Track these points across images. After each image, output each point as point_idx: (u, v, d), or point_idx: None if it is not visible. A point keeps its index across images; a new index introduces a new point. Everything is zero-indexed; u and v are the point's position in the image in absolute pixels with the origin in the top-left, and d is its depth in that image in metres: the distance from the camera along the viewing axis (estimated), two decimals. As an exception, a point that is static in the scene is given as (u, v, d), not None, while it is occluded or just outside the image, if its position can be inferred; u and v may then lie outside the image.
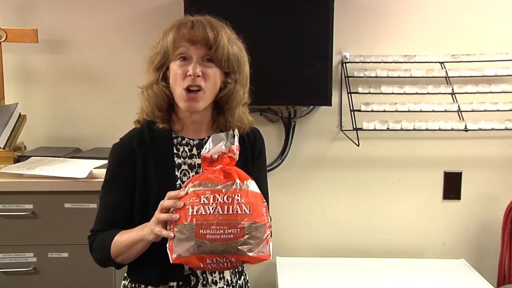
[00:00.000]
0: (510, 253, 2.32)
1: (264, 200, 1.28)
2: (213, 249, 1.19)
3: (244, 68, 1.41)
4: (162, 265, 1.33)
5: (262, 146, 1.51)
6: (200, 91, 1.32)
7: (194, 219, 1.20)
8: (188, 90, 1.32)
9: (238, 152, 1.28)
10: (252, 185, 1.25)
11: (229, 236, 1.19)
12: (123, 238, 1.32)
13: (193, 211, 1.20)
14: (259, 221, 1.22)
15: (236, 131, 1.30)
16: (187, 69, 1.31)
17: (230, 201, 1.21)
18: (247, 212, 1.21)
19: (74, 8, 2.37)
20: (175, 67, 1.33)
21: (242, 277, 1.49)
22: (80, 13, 2.37)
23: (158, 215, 1.24)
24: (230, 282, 1.43)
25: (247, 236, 1.20)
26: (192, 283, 1.38)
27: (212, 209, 1.20)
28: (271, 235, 1.25)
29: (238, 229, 1.19)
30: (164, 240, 1.25)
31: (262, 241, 1.22)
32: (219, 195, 1.21)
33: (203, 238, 1.19)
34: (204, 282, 1.38)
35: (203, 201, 1.21)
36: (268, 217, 1.27)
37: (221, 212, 1.20)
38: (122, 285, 1.46)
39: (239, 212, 1.20)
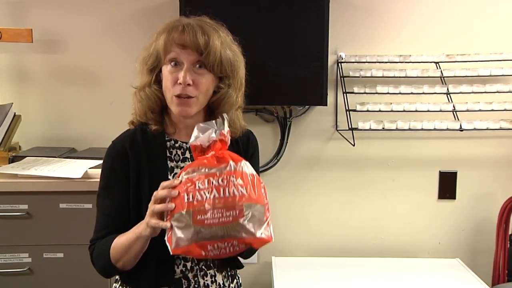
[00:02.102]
0: (504, 252, 2.33)
1: (262, 181, 1.23)
2: (212, 234, 1.14)
3: (239, 72, 1.38)
4: (154, 269, 1.32)
5: (256, 147, 1.50)
6: (193, 97, 1.30)
7: (190, 206, 1.15)
8: (177, 96, 1.30)
9: (229, 136, 1.23)
10: (246, 167, 1.21)
11: (228, 219, 1.15)
12: (121, 240, 1.29)
13: (188, 197, 1.16)
14: (258, 202, 1.18)
15: (225, 115, 1.26)
16: (178, 75, 1.29)
17: (225, 183, 1.16)
18: (244, 193, 1.17)
19: (69, 8, 2.37)
20: (166, 72, 1.31)
21: (235, 281, 1.47)
22: (75, 13, 2.37)
23: (153, 206, 1.19)
24: (222, 285, 1.41)
25: (246, 217, 1.15)
26: (184, 286, 1.36)
27: (208, 193, 1.15)
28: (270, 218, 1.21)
29: (237, 211, 1.15)
30: (159, 241, 1.23)
31: (263, 222, 1.17)
32: (213, 178, 1.17)
33: (201, 224, 1.14)
34: (196, 286, 1.37)
35: (198, 186, 1.16)
36: (267, 199, 1.22)
37: (217, 196, 1.15)
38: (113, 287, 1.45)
39: (236, 193, 1.16)
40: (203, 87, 1.31)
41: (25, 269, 1.94)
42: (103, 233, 1.34)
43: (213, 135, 1.21)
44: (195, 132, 1.22)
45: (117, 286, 1.42)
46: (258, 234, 1.17)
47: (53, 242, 1.95)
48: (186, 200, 1.16)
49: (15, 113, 2.26)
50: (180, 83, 1.28)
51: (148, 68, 1.36)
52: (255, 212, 1.17)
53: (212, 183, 1.17)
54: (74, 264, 1.94)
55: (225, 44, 1.33)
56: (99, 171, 1.41)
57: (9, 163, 2.09)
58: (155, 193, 1.21)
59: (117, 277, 1.43)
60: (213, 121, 1.24)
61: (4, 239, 1.93)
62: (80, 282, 1.95)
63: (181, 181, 1.19)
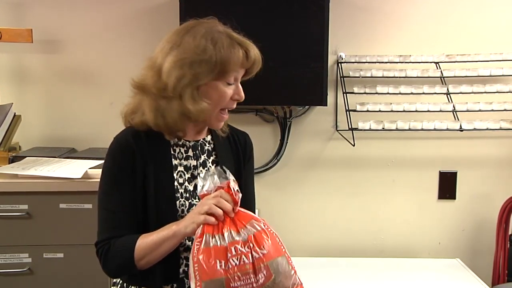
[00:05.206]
0: (504, 253, 2.33)
1: (272, 231, 1.24)
2: None
3: None
4: (159, 268, 1.31)
5: (252, 151, 1.52)
6: None
7: (222, 273, 1.16)
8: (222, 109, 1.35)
9: (237, 191, 1.23)
10: (258, 226, 1.22)
11: (260, 281, 1.17)
12: (151, 237, 1.26)
13: (220, 264, 1.17)
14: (278, 255, 1.21)
15: (229, 173, 1.26)
16: (233, 92, 1.33)
17: (249, 249, 1.18)
18: (264, 252, 1.19)
19: (69, 8, 2.37)
20: (224, 88, 1.31)
21: None
22: (75, 13, 2.37)
23: (210, 207, 1.19)
24: None
25: (274, 274, 1.18)
26: (187, 286, 1.36)
27: (237, 259, 1.17)
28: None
29: (264, 272, 1.17)
30: None
31: (290, 273, 1.20)
32: (239, 245, 1.18)
33: None
34: None
35: (229, 255, 1.18)
36: (283, 246, 1.25)
37: (246, 261, 1.17)
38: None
39: (256, 256, 1.18)
40: None
41: (25, 269, 1.94)
42: (116, 232, 1.30)
43: (218, 180, 1.23)
44: (200, 182, 1.24)
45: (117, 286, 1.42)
46: (291, 286, 1.20)
47: (53, 242, 1.95)
48: (218, 267, 1.16)
49: (15, 113, 2.26)
50: (237, 99, 1.35)
51: (200, 84, 1.29)
52: (280, 266, 1.20)
53: (238, 249, 1.18)
54: (74, 264, 1.94)
55: None
56: (99, 171, 1.39)
57: (9, 163, 2.09)
58: (219, 197, 1.20)
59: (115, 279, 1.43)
60: (211, 170, 1.28)
61: (4, 239, 1.93)
62: (80, 282, 1.95)
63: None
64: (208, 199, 1.21)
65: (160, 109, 1.31)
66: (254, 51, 1.35)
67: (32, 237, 1.94)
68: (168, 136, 1.36)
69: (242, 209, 1.25)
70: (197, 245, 1.19)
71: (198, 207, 1.22)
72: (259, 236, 1.20)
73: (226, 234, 1.19)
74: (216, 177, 1.23)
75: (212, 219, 1.18)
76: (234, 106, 1.36)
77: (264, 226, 1.23)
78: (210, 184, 1.23)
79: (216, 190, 1.23)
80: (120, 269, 1.32)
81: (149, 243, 1.26)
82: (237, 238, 1.19)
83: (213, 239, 1.19)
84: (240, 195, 1.23)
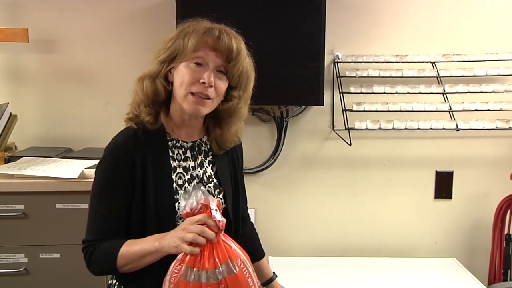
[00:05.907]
0: (500, 252, 2.33)
1: (250, 274, 1.24)
2: None
3: (251, 86, 1.41)
4: (156, 269, 1.30)
5: (242, 152, 1.57)
6: (209, 99, 1.32)
7: None
8: (194, 94, 1.30)
9: (220, 221, 1.22)
10: (232, 269, 1.22)
11: None
12: (134, 248, 1.27)
13: None
14: None
15: (205, 189, 1.27)
16: (201, 75, 1.29)
17: None
18: None
19: (66, 7, 2.36)
20: (184, 69, 1.30)
21: None
22: (72, 12, 2.37)
23: (194, 237, 1.19)
24: None
25: None
26: None
27: None
28: None
29: None
30: None
31: None
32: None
33: None
34: None
35: None
36: (254, 284, 1.24)
37: None
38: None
39: None
40: (221, 91, 1.33)
41: (21, 269, 1.94)
42: (102, 236, 1.32)
43: (201, 196, 1.23)
44: (182, 203, 1.25)
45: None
46: None
47: (49, 242, 1.94)
48: None
49: (11, 113, 2.25)
50: (203, 83, 1.29)
51: (160, 60, 1.33)
52: None
53: None
54: (71, 264, 1.93)
55: (247, 57, 1.37)
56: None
57: (5, 163, 2.09)
58: (192, 223, 1.20)
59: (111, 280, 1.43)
60: (190, 190, 1.27)
61: (0, 239, 1.93)
62: (77, 282, 1.94)
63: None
64: (192, 222, 1.20)
65: (143, 87, 1.34)
66: (221, 32, 1.31)
67: (28, 237, 1.94)
68: (148, 118, 1.34)
69: (223, 238, 1.24)
70: (175, 272, 1.21)
71: (182, 233, 1.20)
72: (230, 281, 1.20)
73: (203, 273, 1.19)
74: (199, 193, 1.23)
75: (197, 250, 1.18)
76: (208, 92, 1.30)
77: (238, 266, 1.22)
78: (193, 202, 1.22)
79: (200, 208, 1.22)
80: (103, 272, 1.36)
81: (131, 253, 1.27)
82: (211, 279, 1.19)
83: (192, 273, 1.19)
84: (224, 221, 1.22)
